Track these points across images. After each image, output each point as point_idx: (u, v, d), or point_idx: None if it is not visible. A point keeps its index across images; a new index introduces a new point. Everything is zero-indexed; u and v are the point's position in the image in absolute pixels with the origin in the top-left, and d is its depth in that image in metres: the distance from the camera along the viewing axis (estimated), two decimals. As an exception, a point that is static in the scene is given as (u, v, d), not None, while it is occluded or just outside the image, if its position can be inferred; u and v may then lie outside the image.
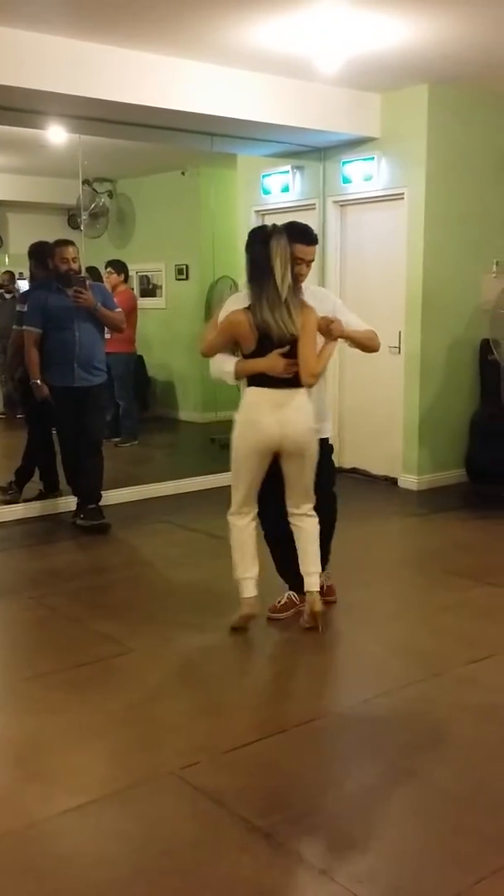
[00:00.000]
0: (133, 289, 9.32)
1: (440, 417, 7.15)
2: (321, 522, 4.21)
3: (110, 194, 9.70)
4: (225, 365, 4.05)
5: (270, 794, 2.90)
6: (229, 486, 4.18)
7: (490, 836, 2.65)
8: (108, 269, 8.19)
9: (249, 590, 4.15)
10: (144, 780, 2.97)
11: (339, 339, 4.18)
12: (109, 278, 8.02)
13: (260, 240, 3.95)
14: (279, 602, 4.37)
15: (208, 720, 3.43)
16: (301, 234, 4.08)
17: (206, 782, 2.94)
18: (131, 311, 7.95)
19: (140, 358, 9.72)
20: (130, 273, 9.75)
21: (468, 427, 7.18)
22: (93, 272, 7.53)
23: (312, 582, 4.14)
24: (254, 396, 4.03)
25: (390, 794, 2.93)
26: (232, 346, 4.06)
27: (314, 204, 7.54)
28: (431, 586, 4.94)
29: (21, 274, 8.28)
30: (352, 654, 4.05)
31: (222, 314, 4.05)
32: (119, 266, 8.44)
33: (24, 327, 6.00)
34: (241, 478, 4.11)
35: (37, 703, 3.57)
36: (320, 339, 4.06)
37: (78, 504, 6.17)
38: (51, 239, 6.21)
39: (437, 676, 3.77)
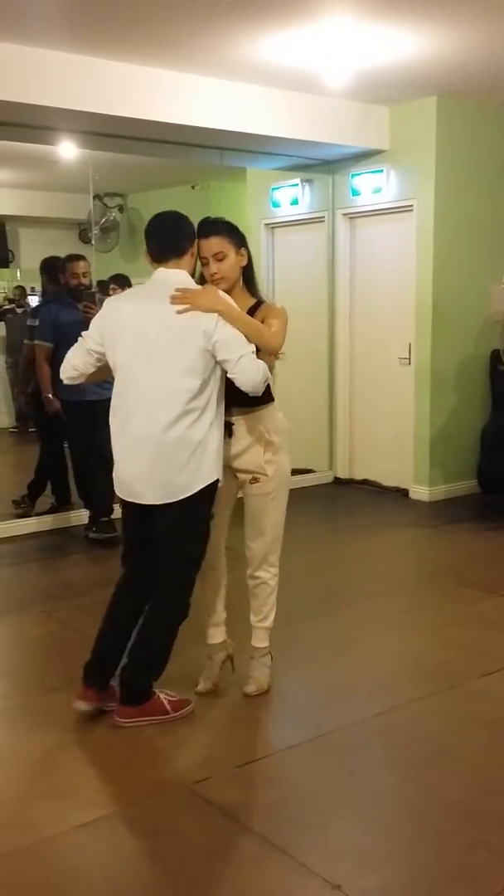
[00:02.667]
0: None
1: (451, 428, 7.15)
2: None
3: (121, 209, 9.73)
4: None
5: (283, 808, 2.90)
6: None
7: (503, 852, 2.64)
8: (113, 286, 8.21)
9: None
10: (157, 795, 2.97)
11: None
12: (116, 293, 8.03)
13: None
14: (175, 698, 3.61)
15: (220, 734, 3.43)
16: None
17: (218, 797, 2.94)
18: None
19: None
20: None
21: (479, 438, 7.17)
22: (103, 287, 7.56)
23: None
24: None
25: (403, 809, 2.92)
26: None
27: (323, 217, 7.57)
28: (443, 598, 4.93)
29: (33, 289, 8.32)
30: (362, 667, 4.04)
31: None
32: (122, 280, 8.46)
33: (36, 342, 6.04)
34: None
35: (49, 718, 3.57)
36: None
37: (90, 517, 6.19)
38: (62, 254, 6.25)
39: (449, 689, 3.76)
